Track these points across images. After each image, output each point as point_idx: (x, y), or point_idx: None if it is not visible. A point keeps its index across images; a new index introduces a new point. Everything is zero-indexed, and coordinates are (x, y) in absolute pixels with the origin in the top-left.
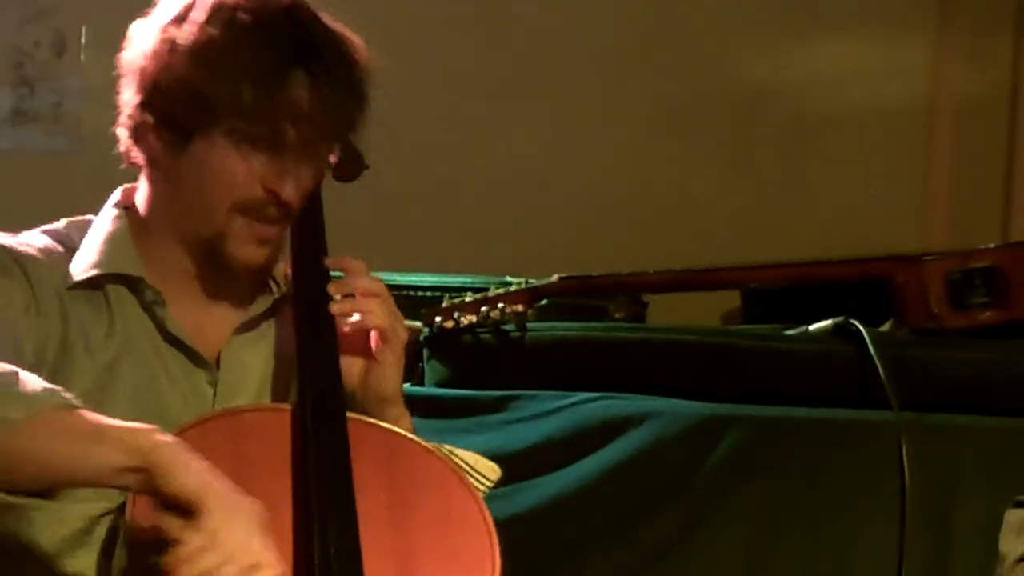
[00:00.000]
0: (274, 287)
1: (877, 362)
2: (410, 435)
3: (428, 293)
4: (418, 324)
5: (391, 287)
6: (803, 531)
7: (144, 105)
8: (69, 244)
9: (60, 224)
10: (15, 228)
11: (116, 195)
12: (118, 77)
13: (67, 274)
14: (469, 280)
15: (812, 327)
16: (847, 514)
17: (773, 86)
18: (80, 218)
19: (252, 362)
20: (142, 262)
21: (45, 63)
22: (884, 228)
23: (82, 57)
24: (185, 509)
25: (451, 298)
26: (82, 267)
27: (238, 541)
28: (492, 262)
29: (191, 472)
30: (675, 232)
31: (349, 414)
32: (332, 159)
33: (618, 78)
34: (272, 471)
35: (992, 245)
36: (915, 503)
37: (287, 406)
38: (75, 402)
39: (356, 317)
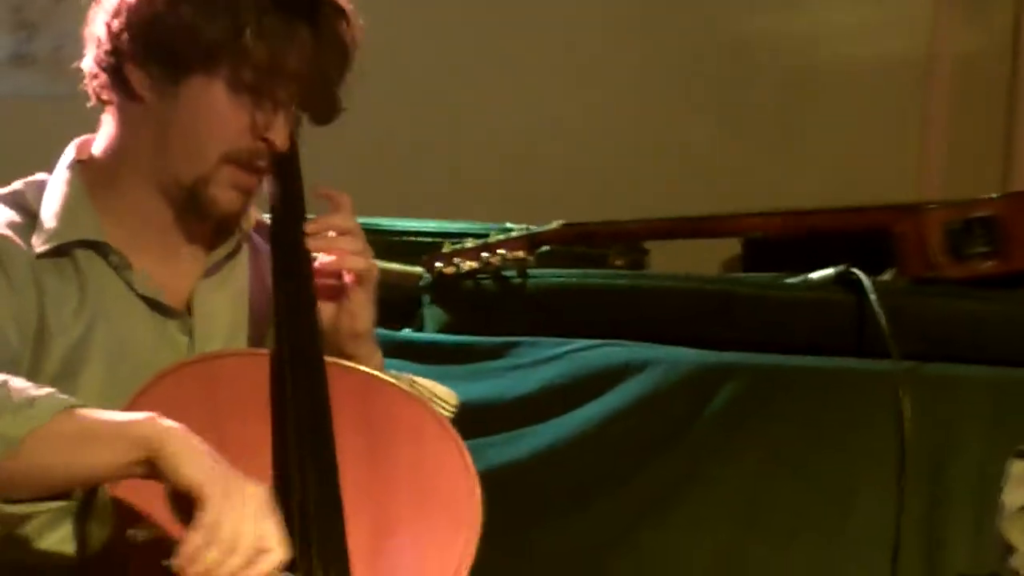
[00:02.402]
0: (237, 230)
1: (877, 311)
2: (387, 377)
3: (429, 239)
4: (419, 270)
5: (392, 233)
6: (800, 480)
7: (131, 37)
8: (28, 209)
9: (16, 186)
10: (15, 173)
11: (70, 152)
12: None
13: (31, 245)
14: (470, 226)
15: (813, 276)
16: (845, 463)
17: (773, 37)
18: (34, 178)
19: (221, 305)
20: (103, 221)
21: (45, 7)
22: (882, 180)
23: (82, 1)
24: (186, 499)
25: (452, 244)
26: (44, 238)
27: (240, 530)
28: (493, 208)
29: (195, 462)
30: (676, 180)
31: (326, 357)
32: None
33: (618, 27)
34: (250, 417)
35: (993, 195)
36: (913, 453)
37: (264, 351)
38: (72, 401)
39: (329, 257)
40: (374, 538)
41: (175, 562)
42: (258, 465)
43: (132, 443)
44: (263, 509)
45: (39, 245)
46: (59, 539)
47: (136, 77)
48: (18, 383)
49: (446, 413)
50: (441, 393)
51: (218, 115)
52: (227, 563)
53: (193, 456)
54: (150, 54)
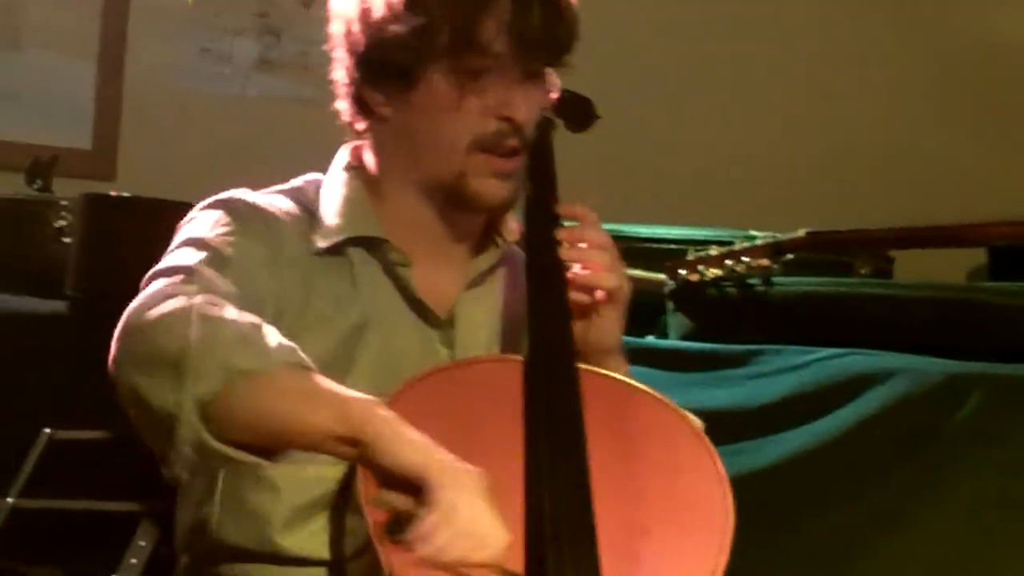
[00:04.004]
0: (499, 241)
1: None
2: (639, 385)
3: (673, 246)
4: (662, 277)
5: (636, 239)
6: None
7: (360, 66)
8: (307, 206)
9: (296, 183)
10: (260, 175)
11: (343, 155)
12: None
13: (309, 239)
14: (714, 233)
15: None
16: None
17: (1021, 39)
18: (311, 177)
19: (481, 317)
20: (381, 223)
21: (290, 14)
22: None
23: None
24: (406, 483)
25: (696, 251)
26: (325, 234)
27: (468, 514)
28: (737, 216)
29: (412, 446)
30: (922, 188)
31: (580, 364)
32: (553, 91)
33: (863, 34)
34: (502, 422)
35: None
36: None
37: (518, 357)
38: (307, 363)
39: (578, 268)
40: (626, 542)
41: (406, 540)
42: (510, 470)
43: (345, 418)
44: (488, 496)
45: (319, 242)
46: (312, 531)
47: (374, 100)
48: (270, 330)
49: None
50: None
51: (451, 107)
52: (457, 545)
53: (410, 441)
54: (376, 75)
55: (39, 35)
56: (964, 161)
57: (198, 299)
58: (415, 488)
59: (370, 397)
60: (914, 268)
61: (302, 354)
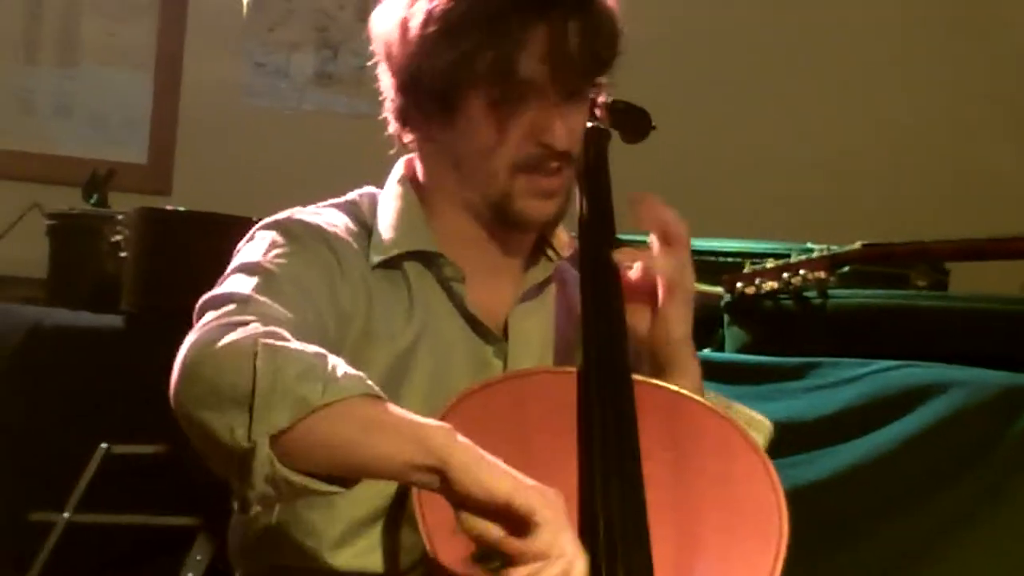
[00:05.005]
0: (552, 254)
1: None
2: (694, 395)
3: (729, 259)
4: (719, 290)
5: (693, 252)
6: None
7: (401, 87)
8: (363, 220)
9: (351, 196)
10: (315, 189)
11: (399, 168)
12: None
13: (366, 254)
14: (771, 246)
15: None
16: None
17: None
18: (366, 191)
19: (534, 330)
20: (434, 236)
21: (348, 28)
22: None
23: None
24: (491, 510)
25: (753, 264)
26: (381, 248)
27: (566, 538)
28: (794, 228)
29: (497, 473)
30: (978, 200)
31: (633, 375)
32: (600, 101)
33: (918, 45)
34: (556, 433)
35: None
36: None
37: (572, 368)
38: (379, 393)
39: (637, 266)
40: (680, 553)
41: (505, 568)
42: (564, 480)
43: (425, 448)
44: (567, 514)
45: (375, 256)
46: (367, 546)
47: (418, 120)
48: (335, 360)
49: (761, 439)
50: (757, 419)
51: (490, 133)
52: (558, 569)
53: (494, 467)
54: (419, 99)
55: (96, 51)
56: (1021, 174)
57: (259, 330)
58: (499, 514)
59: (445, 424)
60: (970, 280)
61: (370, 382)
